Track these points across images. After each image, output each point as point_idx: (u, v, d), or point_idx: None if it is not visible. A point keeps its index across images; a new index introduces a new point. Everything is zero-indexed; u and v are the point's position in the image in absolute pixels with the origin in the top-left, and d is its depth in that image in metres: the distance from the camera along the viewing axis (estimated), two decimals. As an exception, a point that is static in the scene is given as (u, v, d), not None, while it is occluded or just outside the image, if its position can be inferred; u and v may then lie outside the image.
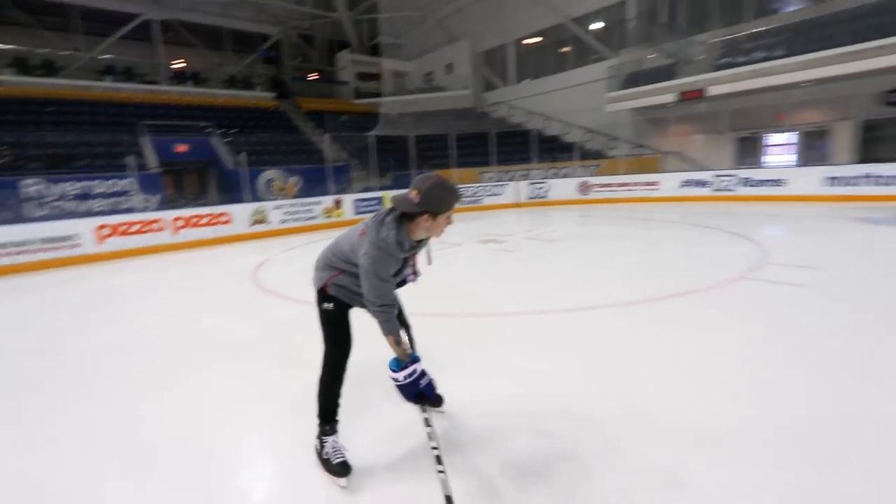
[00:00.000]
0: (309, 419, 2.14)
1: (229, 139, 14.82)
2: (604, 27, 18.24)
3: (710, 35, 14.62)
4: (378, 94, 23.67)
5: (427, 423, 1.88)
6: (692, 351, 3.12)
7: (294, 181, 13.97)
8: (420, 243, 1.98)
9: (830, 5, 12.51)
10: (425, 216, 1.79)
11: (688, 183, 12.71)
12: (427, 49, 25.57)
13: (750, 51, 13.07)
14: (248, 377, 3.12)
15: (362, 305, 2.00)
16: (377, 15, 25.07)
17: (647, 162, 15.51)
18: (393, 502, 1.82)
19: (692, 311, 3.95)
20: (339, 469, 1.91)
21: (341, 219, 12.21)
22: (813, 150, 13.36)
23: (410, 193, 1.77)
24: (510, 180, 15.64)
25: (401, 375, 1.92)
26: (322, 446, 1.99)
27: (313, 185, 13.57)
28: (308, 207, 11.86)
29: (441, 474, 1.69)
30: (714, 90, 13.18)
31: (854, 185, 9.96)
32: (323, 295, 2.00)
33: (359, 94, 23.74)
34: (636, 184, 13.60)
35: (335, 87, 24.50)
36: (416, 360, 1.99)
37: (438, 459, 1.75)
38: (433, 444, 1.80)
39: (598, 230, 9.23)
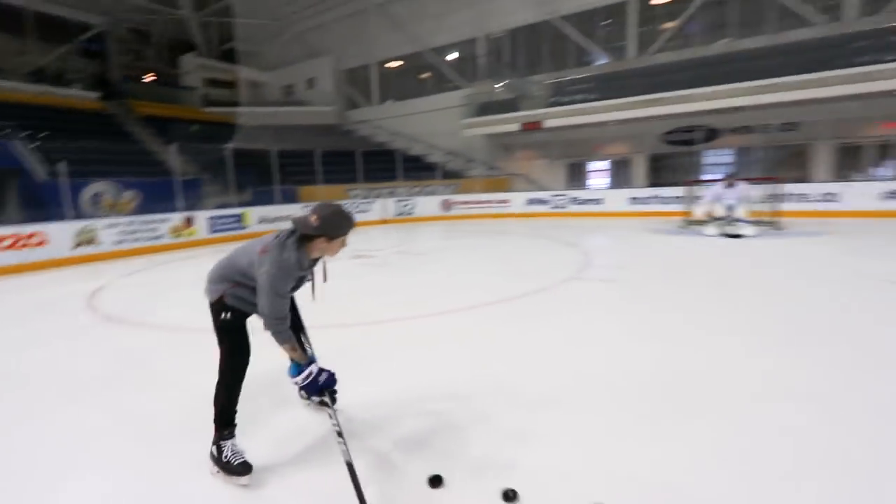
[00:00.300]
0: (187, 437, 2.16)
1: (37, 143, 12.35)
2: (458, 59, 20.04)
3: (545, 77, 17.24)
4: (232, 104, 22.05)
5: (327, 405, 2.10)
6: (540, 335, 3.84)
7: (130, 196, 12.26)
8: (316, 261, 2.19)
9: (629, 62, 15.88)
10: (322, 238, 2.01)
11: (532, 201, 14.66)
12: (287, 61, 24.77)
13: (573, 93, 15.77)
14: (110, 409, 2.87)
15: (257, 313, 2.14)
16: (230, 19, 23.49)
17: (500, 182, 17.42)
18: (297, 489, 1.99)
19: (539, 305, 4.79)
20: (241, 469, 2.01)
21: (194, 238, 11.11)
22: (621, 175, 16.64)
23: (310, 217, 1.98)
24: (377, 197, 16.04)
25: (300, 378, 2.09)
26: (220, 451, 2.05)
27: (156, 200, 12.05)
28: (152, 226, 10.53)
29: (342, 445, 1.93)
30: (549, 123, 15.54)
31: (647, 203, 12.71)
32: (221, 305, 2.08)
33: (209, 102, 21.79)
34: (491, 201, 15.17)
35: (179, 92, 22.07)
36: (312, 361, 2.19)
37: (339, 434, 1.99)
38: (334, 422, 2.03)
39: (461, 243, 10.14)
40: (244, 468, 2.01)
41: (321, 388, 2.08)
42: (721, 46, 14.44)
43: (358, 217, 14.00)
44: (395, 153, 17.38)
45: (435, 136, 19.31)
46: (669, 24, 15.56)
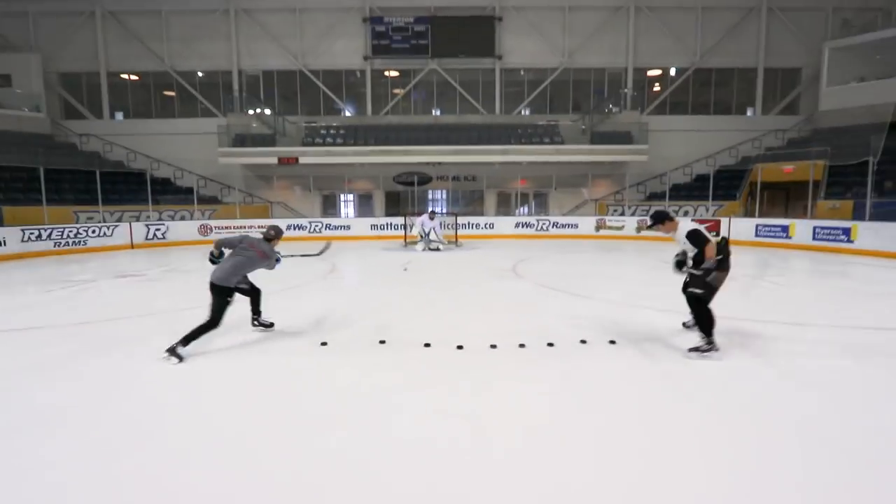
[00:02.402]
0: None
1: None
2: (211, 87, 20.41)
3: (300, 118, 19.70)
4: None
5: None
6: (290, 307, 6.25)
7: None
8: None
9: (368, 119, 19.93)
10: (276, 240, 4.39)
11: (291, 227, 16.67)
12: (-40, 47, 19.61)
13: (325, 136, 18.77)
14: None
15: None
16: None
17: (260, 209, 18.73)
18: (213, 365, 3.88)
19: (292, 295, 7.17)
20: (180, 359, 3.96)
21: None
22: (365, 206, 20.46)
23: (270, 231, 4.43)
24: (119, 221, 15.08)
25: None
26: (176, 350, 4.00)
27: None
28: None
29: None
30: (304, 160, 18.01)
31: (383, 229, 16.58)
32: (231, 289, 4.13)
33: None
34: (251, 226, 16.38)
35: None
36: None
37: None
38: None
39: (227, 262, 11.43)
40: (181, 358, 3.98)
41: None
42: (430, 118, 20.04)
43: (97, 242, 13.27)
44: (145, 175, 16.59)
45: (186, 160, 19.04)
46: (397, 91, 20.46)
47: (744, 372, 3.71)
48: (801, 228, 12.69)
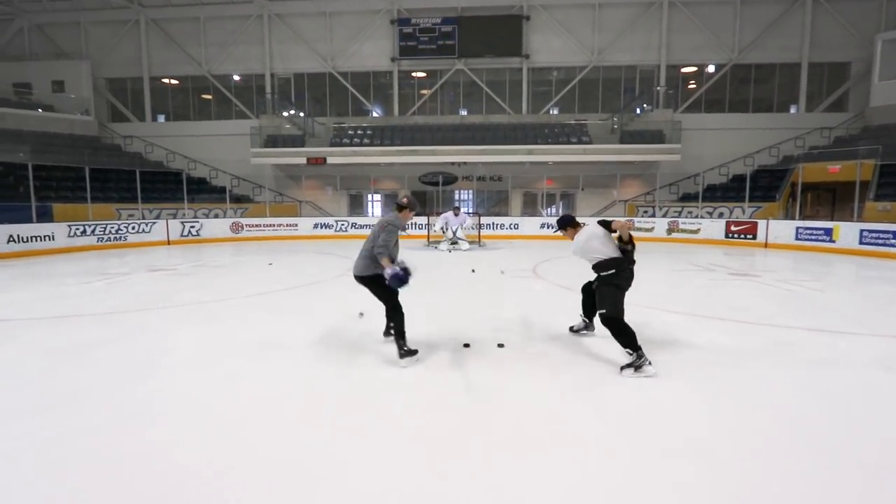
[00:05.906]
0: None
1: None
2: (245, 90, 21.13)
3: (328, 120, 20.10)
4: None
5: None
6: (317, 299, 6.35)
7: None
8: (405, 225, 4.19)
9: (394, 119, 20.13)
10: (408, 210, 4.09)
11: (318, 225, 17.04)
12: (16, 54, 21.09)
13: (353, 136, 19.07)
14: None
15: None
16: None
17: (288, 207, 19.21)
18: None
19: (315, 289, 7.30)
20: (414, 353, 3.91)
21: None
22: (391, 205, 20.63)
23: (403, 200, 4.07)
24: (157, 218, 15.79)
25: (388, 272, 3.83)
26: (405, 351, 3.87)
27: None
28: None
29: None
30: (332, 160, 18.36)
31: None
32: (382, 276, 3.88)
33: None
34: (280, 224, 16.88)
35: None
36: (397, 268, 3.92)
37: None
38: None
39: (254, 258, 11.74)
40: (414, 353, 3.91)
41: (401, 278, 3.88)
42: (456, 118, 20.04)
43: (135, 238, 13.92)
44: (182, 174, 17.33)
45: (220, 160, 19.76)
46: (423, 92, 20.57)
47: (766, 381, 3.50)
48: (846, 231, 11.93)
